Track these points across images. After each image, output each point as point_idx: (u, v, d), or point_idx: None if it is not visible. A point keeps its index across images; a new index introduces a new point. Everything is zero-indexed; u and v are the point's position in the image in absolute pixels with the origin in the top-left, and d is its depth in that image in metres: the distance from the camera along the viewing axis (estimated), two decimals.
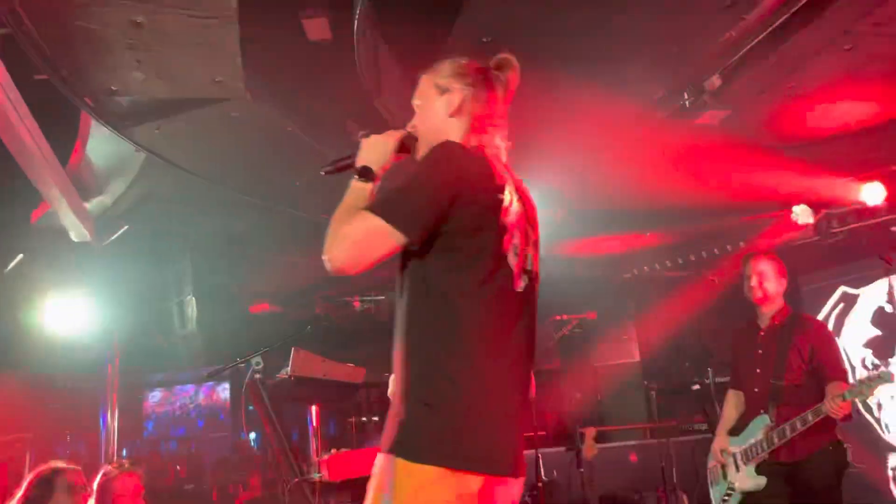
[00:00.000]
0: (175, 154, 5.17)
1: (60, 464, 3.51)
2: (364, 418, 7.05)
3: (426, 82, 2.07)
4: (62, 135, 4.51)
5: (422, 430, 1.75)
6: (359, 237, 1.79)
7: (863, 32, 4.35)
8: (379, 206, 1.81)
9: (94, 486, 3.53)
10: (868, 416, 6.35)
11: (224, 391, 9.06)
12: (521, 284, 1.91)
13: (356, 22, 3.74)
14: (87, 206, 5.72)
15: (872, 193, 5.83)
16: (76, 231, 5.36)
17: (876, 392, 3.54)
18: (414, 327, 1.85)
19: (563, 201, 6.05)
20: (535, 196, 2.12)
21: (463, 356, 1.78)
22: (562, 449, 6.18)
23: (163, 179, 5.59)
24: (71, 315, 6.06)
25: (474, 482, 1.73)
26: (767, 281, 3.93)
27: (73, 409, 8.11)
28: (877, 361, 6.26)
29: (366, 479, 1.81)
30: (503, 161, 2.02)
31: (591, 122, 5.13)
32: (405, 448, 1.74)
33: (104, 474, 3.60)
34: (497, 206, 1.87)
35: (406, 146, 2.06)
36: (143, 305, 6.94)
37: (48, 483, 3.38)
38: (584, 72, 4.78)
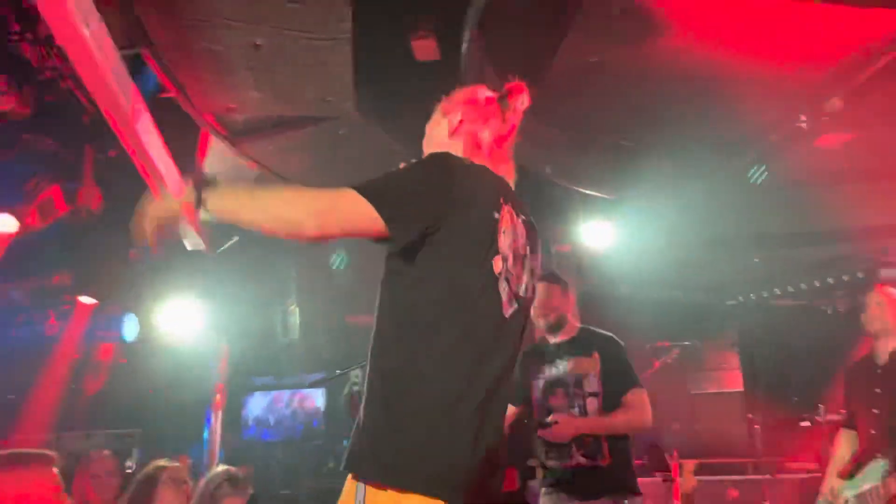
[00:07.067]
0: (286, 169, 5.38)
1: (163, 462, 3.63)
2: None
3: (437, 109, 2.03)
4: (182, 150, 4.76)
5: (391, 450, 1.62)
6: (335, 207, 1.67)
7: None
8: (364, 186, 1.65)
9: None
10: None
11: (319, 398, 9.19)
12: (509, 310, 1.78)
13: (465, 43, 3.80)
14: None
15: None
16: (192, 241, 5.64)
17: None
18: (379, 340, 1.73)
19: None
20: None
21: (432, 378, 1.64)
22: (658, 479, 5.99)
23: None
24: (184, 319, 6.39)
25: None
26: (887, 312, 3.69)
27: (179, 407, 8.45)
28: None
29: None
30: (507, 184, 1.95)
31: None
32: (372, 470, 1.62)
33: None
34: (492, 224, 1.76)
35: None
36: (250, 312, 7.22)
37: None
38: None
